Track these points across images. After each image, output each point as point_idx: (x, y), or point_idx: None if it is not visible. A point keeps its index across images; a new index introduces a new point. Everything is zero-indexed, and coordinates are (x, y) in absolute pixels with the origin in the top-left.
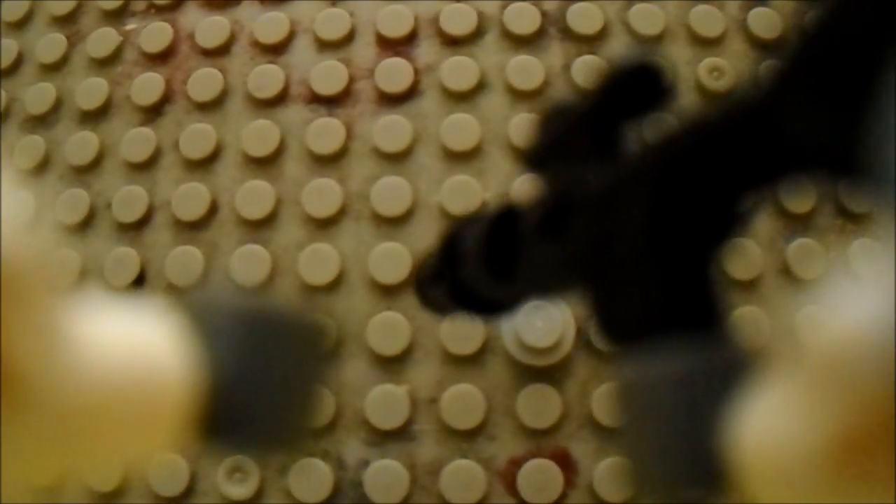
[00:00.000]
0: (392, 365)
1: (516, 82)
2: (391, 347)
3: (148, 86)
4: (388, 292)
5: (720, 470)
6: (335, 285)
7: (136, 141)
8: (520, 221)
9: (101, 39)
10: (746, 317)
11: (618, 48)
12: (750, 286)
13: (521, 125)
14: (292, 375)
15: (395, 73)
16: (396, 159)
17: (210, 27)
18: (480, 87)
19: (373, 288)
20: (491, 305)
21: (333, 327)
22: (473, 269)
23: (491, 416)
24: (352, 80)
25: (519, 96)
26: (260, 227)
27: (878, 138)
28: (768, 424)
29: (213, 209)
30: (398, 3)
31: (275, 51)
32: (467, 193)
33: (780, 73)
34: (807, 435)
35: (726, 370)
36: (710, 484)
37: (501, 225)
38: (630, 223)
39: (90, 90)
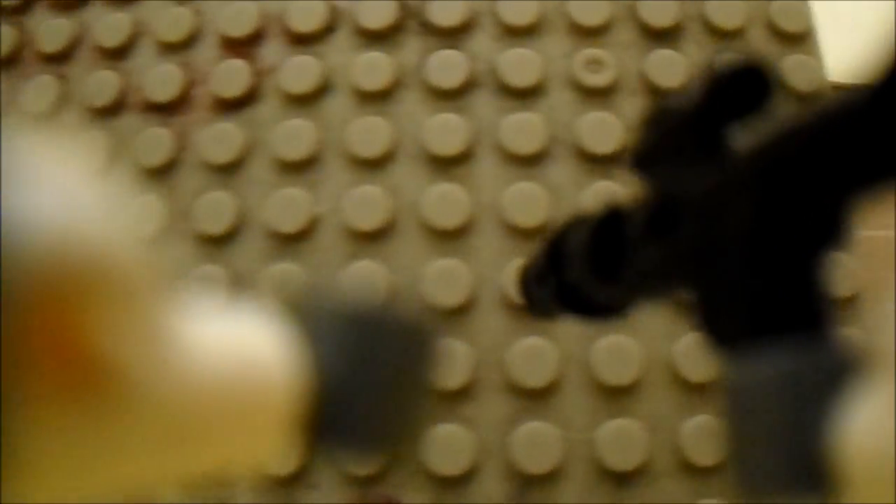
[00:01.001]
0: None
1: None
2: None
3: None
4: None
5: (825, 473)
6: None
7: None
8: (626, 223)
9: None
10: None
11: (483, 42)
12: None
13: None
14: (400, 379)
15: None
16: (226, 171)
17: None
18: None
19: None
20: (597, 308)
21: (442, 330)
22: (579, 270)
23: None
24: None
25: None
26: None
27: None
28: (874, 427)
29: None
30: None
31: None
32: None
33: (888, 71)
34: None
35: (832, 372)
36: (814, 487)
37: (607, 226)
38: (736, 225)
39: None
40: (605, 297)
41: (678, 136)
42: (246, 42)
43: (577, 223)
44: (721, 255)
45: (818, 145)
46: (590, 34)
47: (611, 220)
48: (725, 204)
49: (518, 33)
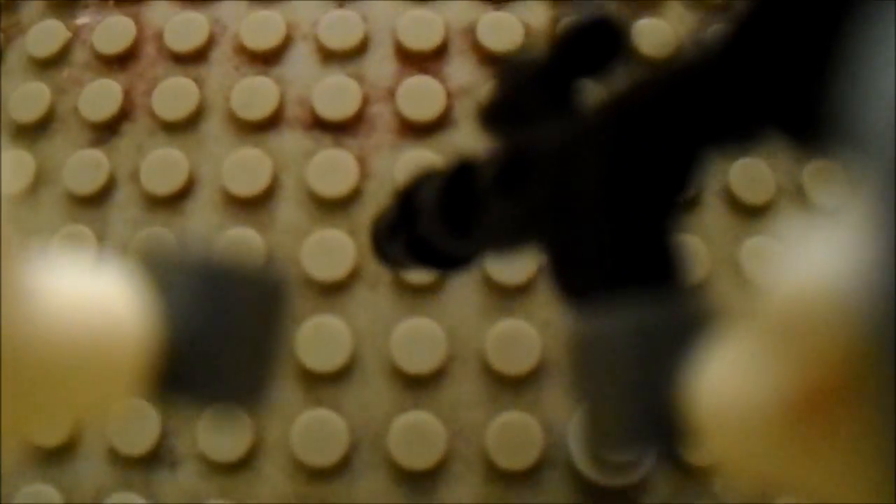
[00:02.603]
0: None
1: None
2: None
3: (102, 96)
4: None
5: (678, 424)
6: None
7: (84, 166)
8: (476, 177)
9: (46, 35)
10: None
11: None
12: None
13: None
14: (252, 331)
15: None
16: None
17: (183, 25)
18: None
19: None
20: (448, 261)
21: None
22: (430, 224)
23: None
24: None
25: None
26: None
27: (838, 94)
28: (726, 378)
29: None
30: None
31: (266, 60)
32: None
33: (737, 26)
34: (765, 389)
35: (684, 323)
36: (668, 438)
37: (458, 180)
38: (587, 179)
39: (28, 98)
40: (456, 250)
41: (529, 92)
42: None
43: (428, 177)
44: (572, 210)
45: (667, 99)
46: None
47: (462, 174)
48: (576, 158)
49: None
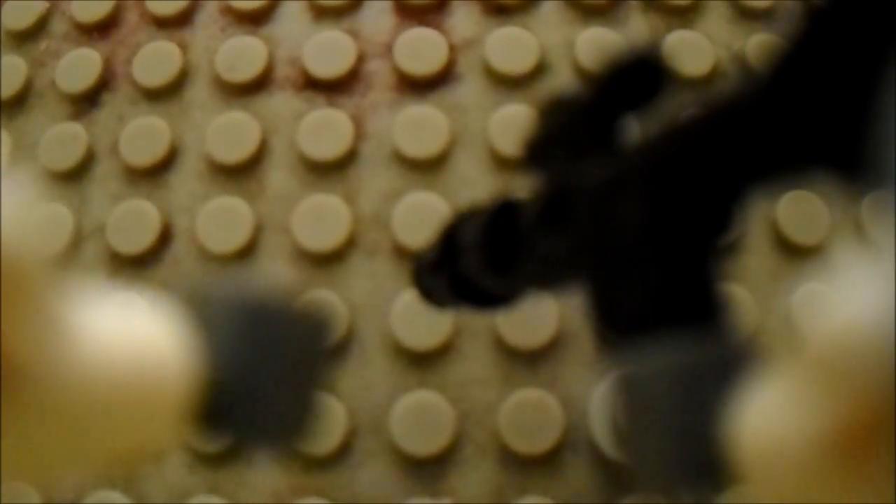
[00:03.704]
0: None
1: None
2: None
3: (80, 66)
4: None
5: (720, 466)
6: None
7: (62, 141)
8: (519, 215)
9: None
10: (745, 308)
11: None
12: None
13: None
14: (295, 370)
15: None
16: (425, 168)
17: None
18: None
19: None
20: (491, 299)
21: (341, 321)
22: (473, 261)
23: None
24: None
25: None
26: (229, 262)
27: (883, 134)
28: (767, 418)
29: (166, 234)
30: None
31: (254, 19)
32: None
33: (782, 61)
34: (805, 429)
35: (725, 363)
36: (710, 479)
37: (501, 217)
38: (629, 216)
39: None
40: (499, 289)
41: (572, 128)
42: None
43: (471, 214)
44: (614, 248)
45: (710, 136)
46: None
47: (504, 212)
48: (619, 196)
49: None
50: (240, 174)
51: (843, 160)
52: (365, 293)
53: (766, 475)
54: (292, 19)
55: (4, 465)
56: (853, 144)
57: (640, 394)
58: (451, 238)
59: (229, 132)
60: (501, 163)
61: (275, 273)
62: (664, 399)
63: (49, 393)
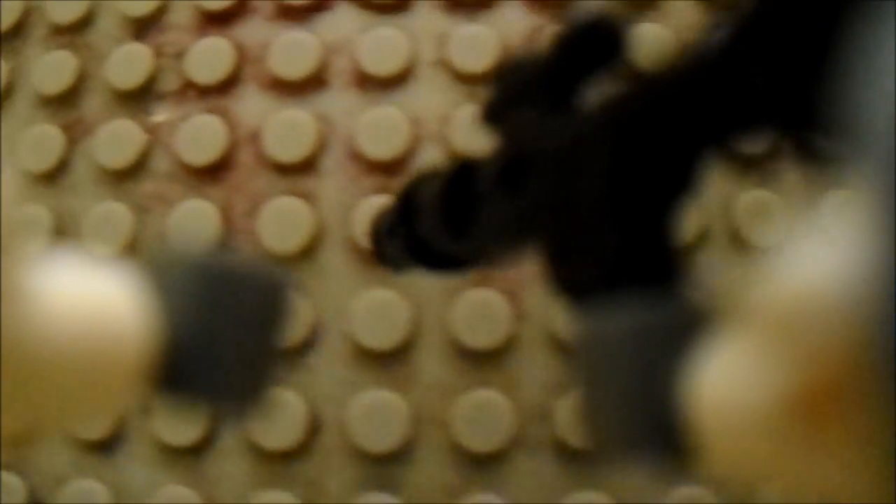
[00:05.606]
0: None
1: None
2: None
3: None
4: None
5: (678, 428)
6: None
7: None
8: (477, 177)
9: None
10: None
11: None
12: (703, 238)
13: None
14: (252, 332)
15: None
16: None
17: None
18: None
19: None
20: (448, 261)
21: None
22: (430, 224)
23: None
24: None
25: None
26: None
27: (842, 91)
28: (727, 381)
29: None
30: None
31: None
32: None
33: (739, 22)
34: (765, 391)
35: (684, 325)
36: (668, 442)
37: (458, 180)
38: (587, 178)
39: None
40: (456, 251)
41: (530, 91)
42: None
43: (428, 176)
44: (573, 210)
45: (668, 99)
46: None
47: (462, 174)
48: (578, 158)
49: None
50: (208, 176)
51: (800, 119)
52: (327, 293)
53: (725, 438)
54: (256, 21)
55: None
56: (809, 103)
57: (597, 357)
58: (408, 199)
59: (199, 134)
60: None
61: None
62: (622, 361)
63: (5, 353)
